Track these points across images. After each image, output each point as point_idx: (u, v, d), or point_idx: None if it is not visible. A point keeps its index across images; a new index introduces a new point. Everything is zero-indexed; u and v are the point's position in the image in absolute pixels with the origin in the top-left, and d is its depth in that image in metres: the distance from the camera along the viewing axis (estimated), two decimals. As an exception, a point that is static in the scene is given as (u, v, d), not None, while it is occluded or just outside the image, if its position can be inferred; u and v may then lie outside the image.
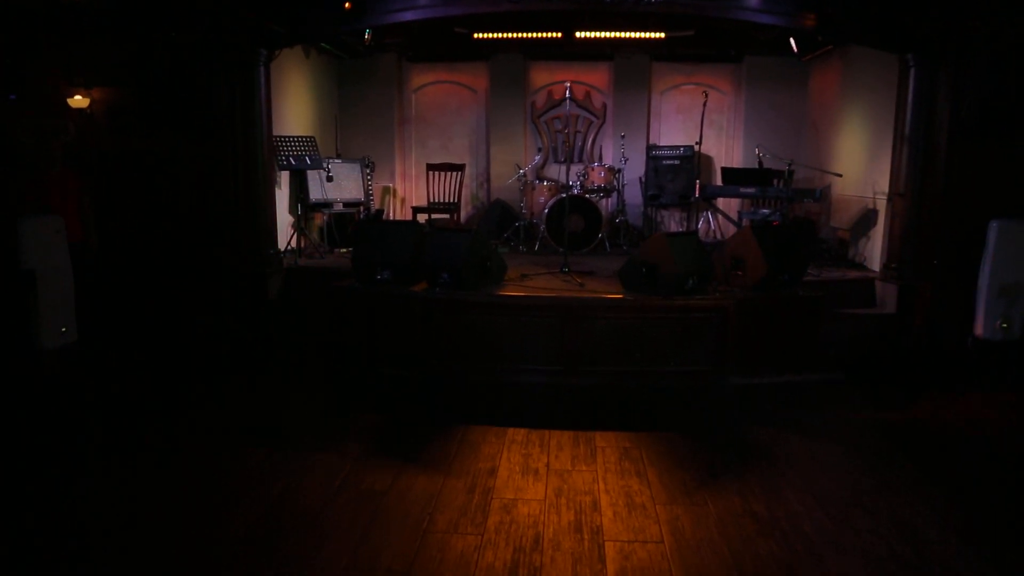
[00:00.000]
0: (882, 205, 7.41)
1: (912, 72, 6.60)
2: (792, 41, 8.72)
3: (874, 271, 7.44)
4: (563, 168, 9.49)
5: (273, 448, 4.66)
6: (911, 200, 6.72)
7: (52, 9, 5.89)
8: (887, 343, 6.59)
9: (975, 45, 5.93)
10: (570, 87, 8.83)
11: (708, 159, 10.15)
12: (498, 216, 9.60)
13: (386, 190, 10.25)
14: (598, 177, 8.96)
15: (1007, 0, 5.73)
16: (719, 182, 9.16)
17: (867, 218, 7.85)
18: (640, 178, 9.74)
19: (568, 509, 3.95)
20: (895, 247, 6.90)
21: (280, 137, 7.77)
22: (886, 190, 7.17)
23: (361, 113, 10.11)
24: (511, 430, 5.04)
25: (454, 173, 9.72)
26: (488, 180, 10.33)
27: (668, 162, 9.40)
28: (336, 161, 8.82)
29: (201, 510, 3.86)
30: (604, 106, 10.22)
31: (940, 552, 3.53)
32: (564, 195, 8.07)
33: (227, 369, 6.35)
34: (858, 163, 8.13)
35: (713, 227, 9.65)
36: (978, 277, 5.87)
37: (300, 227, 8.09)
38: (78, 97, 6.93)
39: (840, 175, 8.30)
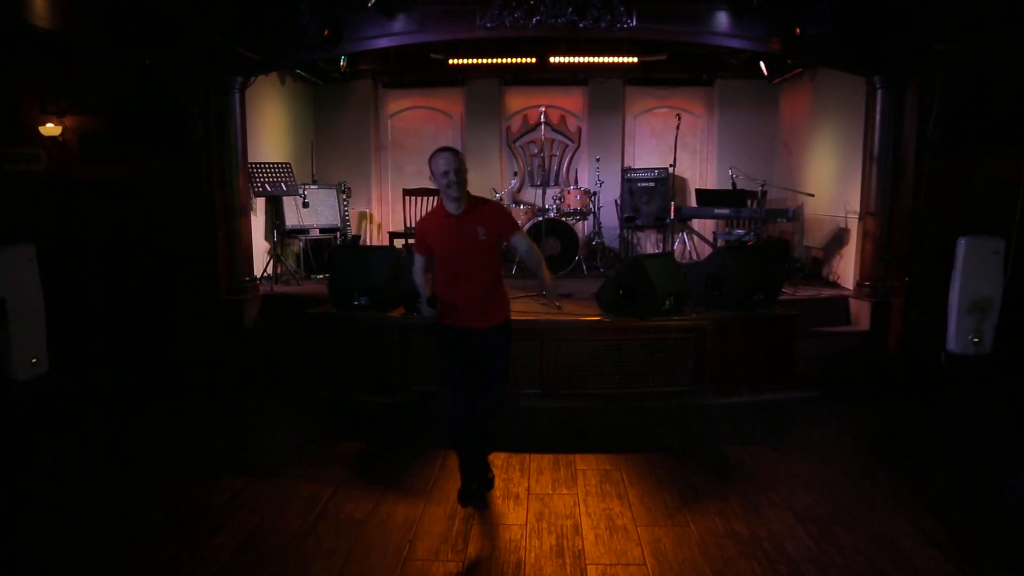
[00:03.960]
0: (854, 224, 7.52)
1: (879, 93, 6.75)
2: (762, 64, 8.89)
3: (848, 289, 7.53)
4: (539, 192, 9.53)
5: (251, 476, 4.59)
6: (882, 218, 6.83)
7: (23, 36, 5.84)
8: (862, 359, 6.66)
9: (940, 66, 6.07)
10: (545, 112, 8.92)
11: (683, 181, 10.26)
12: (475, 240, 9.60)
13: (363, 215, 10.24)
14: (574, 200, 9.02)
15: (969, 22, 5.87)
16: (694, 204, 9.25)
17: (839, 237, 7.96)
18: (616, 201, 9.82)
19: (549, 533, 3.92)
20: (867, 265, 7.00)
21: (255, 163, 7.75)
22: (857, 209, 7.29)
23: (337, 139, 10.12)
24: (491, 454, 5.01)
25: (431, 198, 9.72)
26: (465, 204, 10.33)
27: (643, 184, 9.49)
28: (312, 187, 8.80)
29: (179, 540, 3.78)
30: (579, 130, 10.32)
31: (921, 566, 3.55)
32: (540, 218, 8.12)
33: (204, 397, 6.27)
34: (829, 183, 8.26)
35: (689, 248, 9.73)
36: (949, 293, 5.96)
37: (276, 253, 8.05)
38: (50, 125, 6.88)
39: (812, 195, 8.42)
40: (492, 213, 3.99)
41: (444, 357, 4.10)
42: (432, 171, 3.89)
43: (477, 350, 4.06)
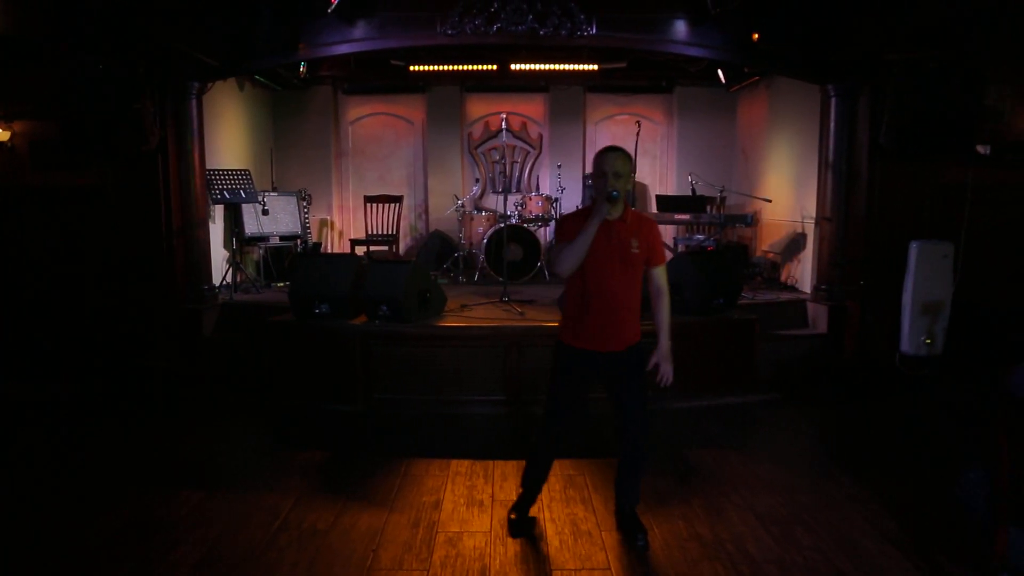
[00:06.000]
0: (810, 229, 7.66)
1: (833, 101, 6.89)
2: (720, 72, 9.02)
3: (805, 293, 7.66)
4: (501, 198, 9.51)
5: (210, 489, 4.51)
6: (837, 223, 6.97)
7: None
8: (820, 362, 6.78)
9: (890, 75, 6.22)
10: (506, 118, 8.93)
11: (643, 187, 10.35)
12: (437, 247, 9.59)
13: (323, 223, 10.14)
14: (536, 207, 9.05)
15: (918, 32, 6.04)
16: (654, 209, 9.34)
17: (797, 241, 8.10)
18: (577, 207, 9.86)
19: (514, 540, 3.92)
20: (824, 269, 7.13)
21: (214, 170, 7.63)
22: (814, 214, 7.42)
23: (297, 145, 10.01)
24: (455, 462, 4.99)
25: (392, 205, 9.68)
26: (426, 211, 10.33)
27: (604, 191, 9.53)
28: (272, 194, 8.69)
29: (136, 557, 3.69)
30: (540, 137, 10.36)
31: (879, 563, 3.61)
32: (502, 225, 8.12)
33: (161, 408, 6.14)
34: (786, 189, 8.41)
35: (650, 253, 9.81)
36: (902, 296, 6.10)
37: (235, 262, 7.93)
38: (-2, 131, 6.70)
39: (770, 200, 8.56)
40: (651, 230, 3.68)
41: (559, 380, 3.83)
42: (593, 169, 3.60)
43: (605, 376, 3.81)
